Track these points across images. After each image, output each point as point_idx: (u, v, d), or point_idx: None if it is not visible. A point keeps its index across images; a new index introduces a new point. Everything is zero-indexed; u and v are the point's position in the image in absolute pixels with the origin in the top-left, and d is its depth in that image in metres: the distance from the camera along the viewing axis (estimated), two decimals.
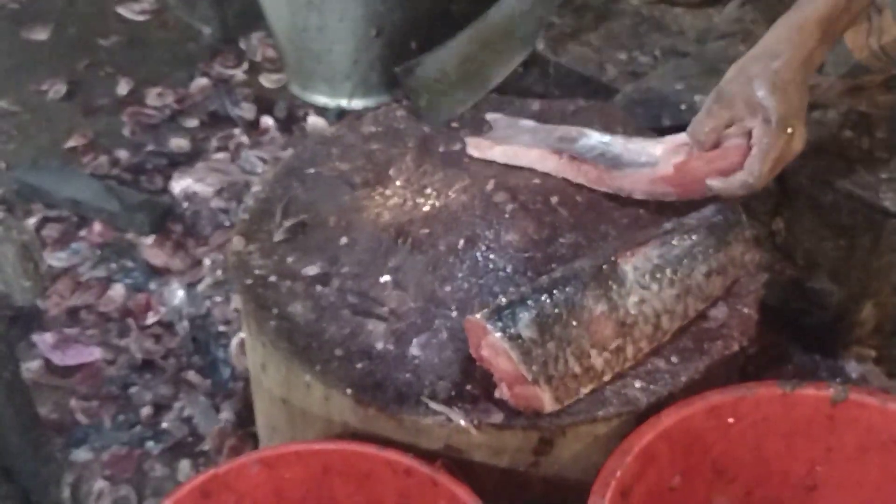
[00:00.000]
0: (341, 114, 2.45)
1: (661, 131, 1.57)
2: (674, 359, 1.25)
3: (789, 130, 1.29)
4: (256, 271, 1.36)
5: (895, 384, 1.74)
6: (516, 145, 1.50)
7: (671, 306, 1.25)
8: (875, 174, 1.62)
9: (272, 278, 1.35)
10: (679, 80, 1.79)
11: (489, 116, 1.58)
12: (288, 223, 1.43)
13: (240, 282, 1.35)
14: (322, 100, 2.47)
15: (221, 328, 1.86)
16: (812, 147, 1.65)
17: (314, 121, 2.41)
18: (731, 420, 1.22)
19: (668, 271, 1.25)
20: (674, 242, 1.27)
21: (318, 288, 1.33)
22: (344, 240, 1.40)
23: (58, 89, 2.47)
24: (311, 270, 1.36)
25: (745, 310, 1.32)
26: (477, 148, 1.52)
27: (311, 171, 1.52)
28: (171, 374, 1.80)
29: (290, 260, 1.37)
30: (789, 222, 1.71)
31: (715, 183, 1.32)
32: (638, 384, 1.22)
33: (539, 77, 2.50)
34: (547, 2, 1.79)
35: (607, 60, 1.90)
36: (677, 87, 1.78)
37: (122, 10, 2.78)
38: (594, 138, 1.49)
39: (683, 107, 1.75)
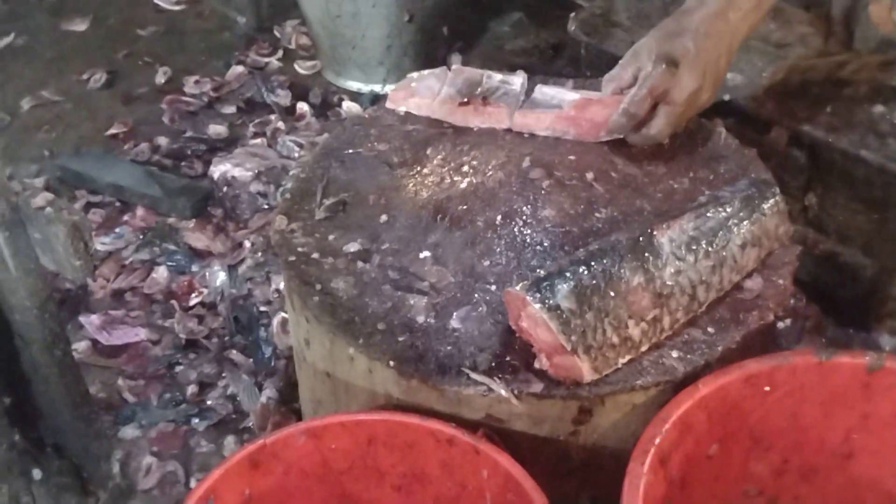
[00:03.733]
0: (375, 99, 2.48)
1: None
2: (710, 329, 1.27)
3: (677, 71, 1.38)
4: (299, 249, 1.39)
5: None
6: (426, 96, 1.58)
7: (707, 277, 1.27)
8: None
9: (315, 255, 1.38)
10: None
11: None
12: (328, 202, 1.46)
13: (283, 259, 1.38)
14: (356, 85, 2.51)
15: (262, 308, 1.90)
16: (843, 122, 1.68)
17: (349, 106, 2.44)
18: (767, 388, 1.24)
19: (704, 243, 1.27)
20: (709, 214, 1.29)
21: (360, 264, 1.36)
22: (384, 217, 1.43)
23: (98, 78, 2.52)
24: (353, 247, 1.39)
25: (780, 281, 1.33)
26: (393, 101, 1.61)
27: (350, 151, 1.56)
28: (215, 353, 1.84)
29: (331, 238, 1.41)
30: (822, 197, 1.73)
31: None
32: (675, 354, 1.24)
33: (570, 61, 2.53)
34: None
35: (639, 40, 1.91)
36: None
37: (158, 1, 2.83)
38: (495, 79, 1.59)
39: None
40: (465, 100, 1.57)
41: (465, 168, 1.48)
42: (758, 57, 1.77)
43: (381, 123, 1.60)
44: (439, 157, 1.51)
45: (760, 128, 1.74)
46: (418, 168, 1.50)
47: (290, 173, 2.09)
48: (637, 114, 1.42)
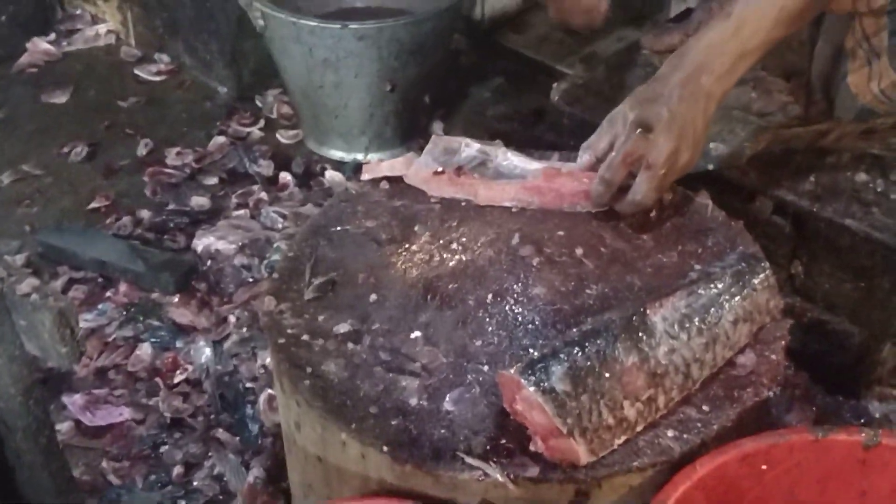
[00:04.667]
0: (358, 168, 2.47)
1: (678, 180, 1.59)
2: (705, 407, 1.26)
3: (651, 136, 1.40)
4: (289, 330, 1.38)
5: None
6: (402, 161, 1.60)
7: (700, 355, 1.27)
8: (892, 216, 1.64)
9: (304, 337, 1.37)
10: None
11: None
12: (317, 281, 1.45)
13: (273, 341, 1.37)
14: (338, 154, 2.51)
15: (248, 385, 1.88)
16: (827, 191, 1.69)
17: (331, 175, 2.45)
18: (764, 467, 1.23)
19: (696, 320, 1.27)
20: (700, 291, 1.29)
21: (350, 346, 1.35)
22: (373, 297, 1.42)
23: (79, 151, 2.52)
24: (343, 328, 1.38)
25: (773, 356, 1.33)
26: (368, 171, 1.62)
27: (338, 228, 1.55)
28: (201, 432, 1.81)
29: (321, 318, 1.39)
30: (808, 265, 1.74)
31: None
32: (671, 433, 1.23)
33: (552, 126, 2.55)
34: None
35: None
36: None
37: (139, 72, 2.83)
38: (474, 147, 1.59)
39: None
40: (441, 169, 1.58)
41: (454, 245, 1.47)
42: (740, 126, 1.78)
43: (368, 199, 1.60)
44: (427, 233, 1.51)
45: (745, 197, 1.75)
46: (407, 245, 1.50)
47: (276, 250, 2.10)
48: (613, 180, 1.43)
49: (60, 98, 2.72)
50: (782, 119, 1.82)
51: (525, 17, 2.87)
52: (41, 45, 2.92)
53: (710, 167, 1.76)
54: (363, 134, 2.46)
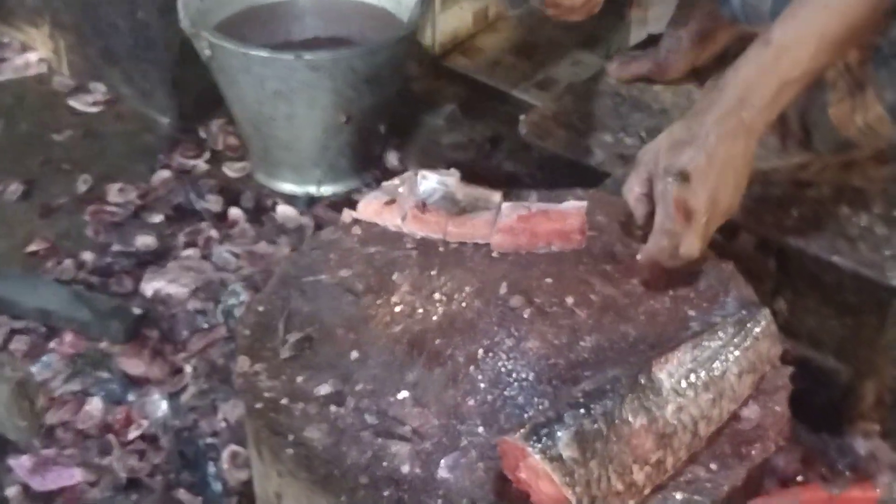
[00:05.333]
0: (311, 201, 2.39)
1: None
2: (713, 465, 1.20)
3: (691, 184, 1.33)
4: (266, 394, 1.28)
5: None
6: (369, 202, 1.55)
7: (707, 411, 1.21)
8: (878, 251, 1.61)
9: (283, 401, 1.27)
10: None
11: None
12: (293, 339, 1.36)
13: (249, 406, 1.28)
14: (289, 188, 2.41)
15: (210, 440, 1.77)
16: (811, 226, 1.65)
17: (284, 210, 2.34)
18: None
19: (703, 375, 1.21)
20: (704, 344, 1.24)
21: (334, 408, 1.26)
22: (355, 354, 1.33)
23: (13, 190, 2.37)
24: (324, 389, 1.29)
25: (777, 407, 1.28)
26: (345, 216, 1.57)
27: (310, 279, 1.46)
28: (160, 493, 1.70)
29: (299, 379, 1.30)
30: (792, 302, 1.69)
31: None
32: (679, 496, 1.17)
33: (509, 154, 2.49)
34: None
35: (593, 143, 1.87)
36: None
37: (73, 103, 2.69)
38: (433, 179, 1.54)
39: None
40: (391, 199, 1.53)
41: (438, 296, 1.40)
42: None
43: (340, 247, 1.51)
44: (407, 283, 1.43)
45: (727, 234, 1.69)
46: (386, 296, 1.41)
47: (232, 293, 2.00)
48: (674, 230, 1.34)
49: None
50: (760, 151, 1.78)
51: (476, 40, 2.81)
52: None
53: None
54: (316, 166, 2.36)
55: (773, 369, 1.32)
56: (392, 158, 2.48)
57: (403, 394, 1.27)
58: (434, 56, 2.73)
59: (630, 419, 1.14)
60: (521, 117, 1.94)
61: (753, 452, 1.22)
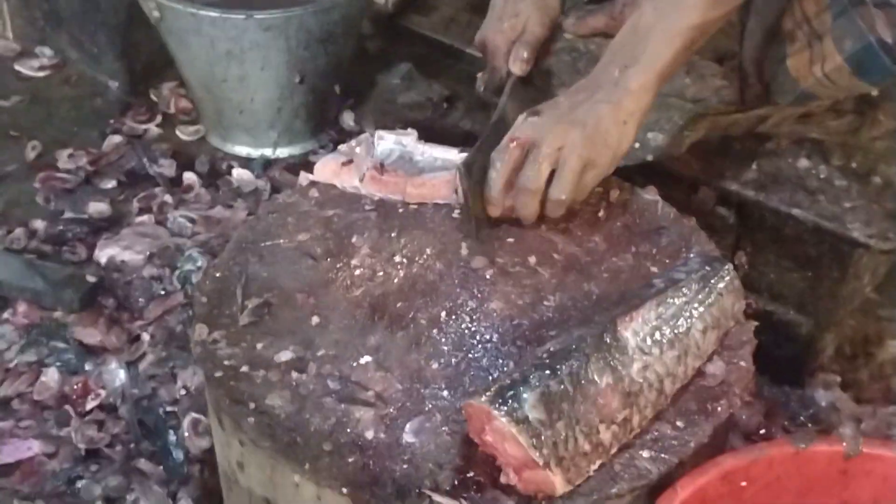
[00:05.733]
0: (266, 164, 2.35)
1: (616, 171, 1.52)
2: (679, 423, 1.20)
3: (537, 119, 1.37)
4: (226, 362, 1.26)
5: (866, 409, 1.72)
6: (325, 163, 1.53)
7: (673, 369, 1.20)
8: (838, 204, 1.61)
9: (244, 368, 1.25)
10: None
11: None
12: (251, 305, 1.33)
13: (209, 375, 1.25)
14: (245, 150, 2.37)
15: (170, 409, 1.74)
16: (770, 179, 1.65)
17: (239, 173, 2.31)
18: (744, 483, 1.18)
19: (668, 332, 1.20)
20: (668, 301, 1.23)
21: (295, 375, 1.24)
22: (315, 319, 1.31)
23: None
24: (285, 356, 1.26)
25: (742, 363, 1.28)
26: (303, 178, 1.55)
27: (268, 243, 1.43)
28: (120, 463, 1.68)
29: (259, 346, 1.28)
30: (752, 256, 1.69)
31: None
32: (646, 454, 1.16)
33: (466, 112, 2.47)
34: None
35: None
36: None
37: (19, 67, 2.63)
38: (390, 140, 1.53)
39: (637, 145, 1.70)
40: (348, 160, 1.51)
41: (398, 258, 1.38)
42: (677, 114, 1.72)
43: (297, 210, 1.49)
44: (367, 245, 1.41)
45: (687, 188, 1.69)
46: (345, 260, 1.39)
47: (188, 259, 1.96)
48: (510, 160, 1.36)
49: None
50: (718, 105, 1.77)
51: None
52: None
53: (650, 157, 1.69)
54: (271, 128, 2.32)
55: (737, 325, 1.32)
56: (348, 119, 2.45)
57: (366, 358, 1.26)
58: (388, 14, 2.68)
59: (596, 379, 1.13)
60: (479, 75, 1.91)
61: (719, 409, 1.22)
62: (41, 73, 2.63)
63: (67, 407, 1.76)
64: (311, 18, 2.14)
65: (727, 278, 1.29)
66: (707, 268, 1.29)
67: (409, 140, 1.54)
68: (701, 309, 1.24)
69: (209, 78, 2.25)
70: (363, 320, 1.30)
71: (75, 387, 1.79)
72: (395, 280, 1.34)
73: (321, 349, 1.27)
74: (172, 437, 1.71)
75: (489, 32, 1.68)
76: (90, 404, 1.77)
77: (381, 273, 1.36)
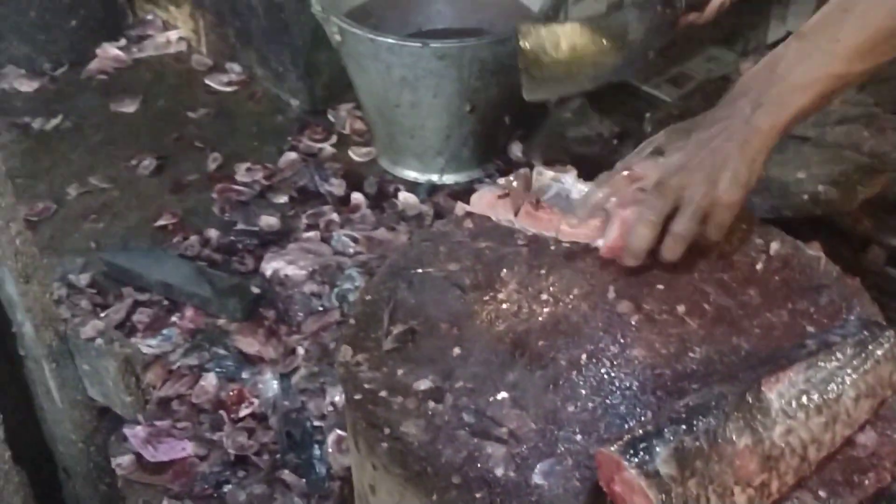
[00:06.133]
0: (432, 189, 2.39)
1: (781, 223, 1.48)
2: (822, 493, 1.14)
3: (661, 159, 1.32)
4: (366, 385, 1.28)
5: None
6: (482, 195, 1.49)
7: (819, 435, 1.15)
8: None
9: (383, 393, 1.27)
10: (800, 169, 1.69)
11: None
12: (396, 330, 1.35)
13: (349, 397, 1.28)
14: (412, 174, 2.42)
15: (317, 423, 1.79)
16: None
17: (405, 197, 2.35)
18: None
19: (816, 397, 1.15)
20: (820, 364, 1.17)
21: (432, 404, 1.25)
22: (457, 350, 1.32)
23: (147, 164, 2.45)
24: (424, 384, 1.28)
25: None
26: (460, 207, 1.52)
27: (419, 271, 1.45)
28: (266, 472, 1.73)
29: (400, 372, 1.30)
30: None
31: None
32: None
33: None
34: (654, 37, 1.71)
35: None
36: (799, 176, 1.68)
37: (210, 82, 2.76)
38: (547, 176, 1.50)
39: (805, 197, 1.65)
40: (505, 192, 1.49)
41: (545, 296, 1.37)
42: (851, 168, 1.66)
43: (450, 239, 1.50)
44: (515, 280, 1.40)
45: (856, 245, 1.62)
46: (492, 293, 1.39)
47: (347, 278, 2.01)
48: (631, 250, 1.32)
49: (129, 107, 2.66)
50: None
51: None
52: (111, 51, 2.86)
53: (819, 211, 1.63)
54: (439, 155, 2.36)
55: (894, 394, 1.25)
56: (516, 150, 2.46)
57: (503, 394, 1.25)
58: None
59: (734, 438, 1.09)
60: (647, 115, 1.89)
61: (866, 482, 1.16)
62: (229, 88, 2.75)
63: (222, 412, 1.84)
64: (485, 49, 2.17)
65: (887, 345, 1.22)
66: (865, 332, 1.23)
67: (568, 178, 1.53)
68: (854, 376, 1.18)
69: (383, 102, 2.30)
70: (504, 356, 1.30)
71: (231, 393, 1.87)
72: (539, 318, 1.34)
73: (460, 381, 1.28)
74: (317, 452, 1.75)
75: None
76: (243, 412, 1.84)
77: (525, 310, 1.35)
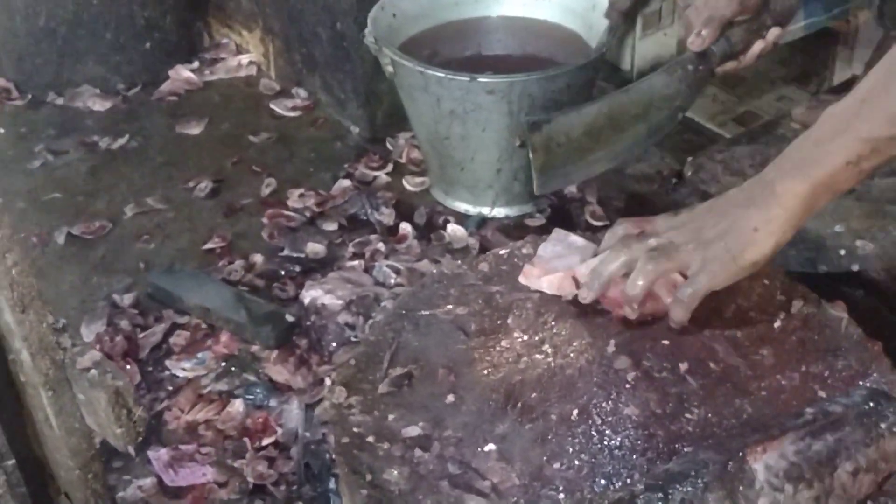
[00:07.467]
0: (482, 222, 2.36)
1: (816, 279, 1.42)
2: None
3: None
4: (355, 429, 1.27)
5: None
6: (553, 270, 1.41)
7: None
8: None
9: (370, 438, 1.26)
10: (839, 222, 1.62)
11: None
12: (395, 374, 1.34)
13: (337, 440, 1.27)
14: (463, 206, 2.40)
15: (335, 456, 1.78)
16: None
17: (453, 229, 2.33)
18: None
19: (807, 471, 1.10)
20: (815, 436, 1.12)
21: (418, 452, 1.24)
22: (451, 398, 1.30)
23: (203, 187, 2.48)
24: (413, 431, 1.26)
25: None
26: (526, 277, 1.43)
27: (426, 313, 1.44)
28: (282, 503, 1.73)
29: (391, 417, 1.29)
30: None
31: None
32: None
33: (692, 192, 2.37)
34: (688, 95, 1.66)
35: None
36: (836, 230, 1.62)
37: (275, 106, 2.79)
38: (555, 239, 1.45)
39: (843, 252, 1.59)
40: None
41: (546, 346, 1.34)
42: (893, 224, 1.58)
43: (463, 282, 1.48)
44: (520, 328, 1.38)
45: (894, 306, 1.54)
46: (495, 340, 1.37)
47: (383, 310, 2.00)
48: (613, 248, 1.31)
49: (194, 129, 2.70)
50: None
51: None
52: (183, 73, 2.91)
53: (855, 267, 1.57)
54: (490, 188, 2.34)
55: None
56: (570, 186, 2.42)
57: (490, 446, 1.23)
58: (630, 81, 2.64)
59: None
60: (689, 160, 1.84)
61: None
62: (293, 114, 2.77)
63: (246, 439, 1.84)
64: (535, 85, 2.14)
65: (892, 418, 1.16)
66: (870, 404, 1.17)
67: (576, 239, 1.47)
68: (853, 449, 1.13)
69: (433, 134, 2.29)
70: (496, 406, 1.28)
71: (257, 421, 1.87)
72: (537, 369, 1.31)
73: (448, 430, 1.26)
74: (333, 485, 1.74)
75: (689, 9, 1.59)
76: (266, 440, 1.83)
77: (525, 358, 1.33)
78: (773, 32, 1.57)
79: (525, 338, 1.36)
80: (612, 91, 1.45)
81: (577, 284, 1.35)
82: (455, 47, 2.47)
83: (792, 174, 1.23)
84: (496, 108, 2.17)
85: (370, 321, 2.02)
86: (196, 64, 2.98)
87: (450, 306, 1.44)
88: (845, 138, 1.21)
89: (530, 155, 1.35)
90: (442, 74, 2.15)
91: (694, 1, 1.57)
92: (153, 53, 2.93)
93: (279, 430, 1.85)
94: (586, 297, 1.32)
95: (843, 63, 2.36)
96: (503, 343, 1.37)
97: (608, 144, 1.42)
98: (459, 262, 1.54)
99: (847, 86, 1.97)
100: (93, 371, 1.25)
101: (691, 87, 1.55)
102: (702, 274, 1.25)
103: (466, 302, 1.45)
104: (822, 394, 1.27)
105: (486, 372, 1.32)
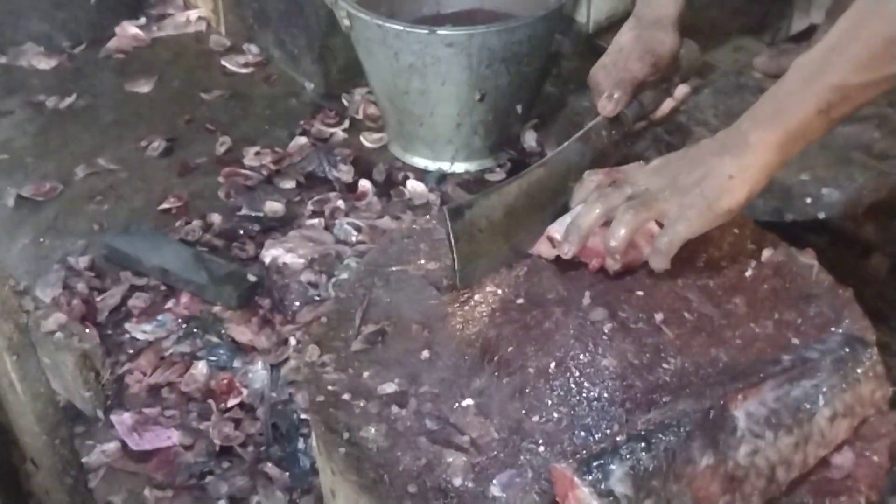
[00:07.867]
0: (442, 178, 2.35)
1: (783, 227, 1.42)
2: None
3: None
4: (329, 387, 1.25)
5: None
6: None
7: (788, 456, 1.10)
8: None
9: (345, 396, 1.24)
10: (804, 170, 1.63)
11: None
12: (367, 330, 1.32)
13: (312, 398, 1.25)
14: (423, 162, 2.38)
15: (303, 416, 1.77)
16: None
17: (413, 185, 2.32)
18: None
19: (786, 416, 1.10)
20: (793, 383, 1.12)
21: (395, 409, 1.22)
22: (426, 353, 1.28)
23: (156, 146, 2.43)
24: (389, 388, 1.25)
25: (875, 457, 1.15)
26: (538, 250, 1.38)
27: (396, 269, 1.42)
28: (249, 464, 1.71)
29: (366, 374, 1.27)
30: None
31: None
32: None
33: (654, 141, 2.37)
34: (604, 162, 1.59)
35: None
36: (802, 178, 1.62)
37: (226, 63, 2.74)
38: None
39: (808, 200, 1.59)
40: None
41: (520, 300, 1.33)
42: (858, 171, 1.59)
43: (432, 237, 1.46)
44: (493, 282, 1.36)
45: (859, 252, 1.56)
46: (468, 294, 1.35)
47: (345, 268, 1.98)
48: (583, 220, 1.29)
49: (144, 87, 2.65)
50: None
51: None
52: (130, 30, 2.85)
53: (821, 215, 1.57)
54: (450, 143, 2.32)
55: (878, 414, 1.19)
56: (530, 139, 2.41)
57: (468, 401, 1.22)
58: (587, 34, 2.62)
59: (695, 458, 1.05)
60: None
61: None
62: (245, 70, 2.73)
63: (211, 401, 1.82)
64: (494, 37, 2.12)
65: (867, 363, 1.17)
66: (846, 349, 1.17)
67: None
68: (831, 395, 1.13)
69: (392, 89, 2.26)
70: (472, 361, 1.26)
71: (221, 382, 1.85)
72: (513, 323, 1.29)
73: (425, 385, 1.24)
74: (301, 445, 1.73)
75: (596, 67, 1.53)
76: (232, 402, 1.82)
77: (499, 313, 1.31)
78: (682, 90, 1.53)
79: (499, 292, 1.35)
80: (527, 169, 1.39)
81: (553, 244, 1.34)
82: (413, 5, 2.43)
83: (764, 124, 1.22)
84: (456, 62, 2.15)
85: (333, 279, 2.01)
86: (143, 20, 2.91)
87: (421, 261, 1.42)
88: (816, 87, 1.20)
89: (451, 245, 1.30)
90: (401, 27, 2.12)
91: (602, 60, 1.52)
92: (98, 9, 2.85)
93: (244, 392, 1.83)
94: (567, 252, 1.31)
95: (801, 12, 2.36)
96: (476, 298, 1.35)
97: (529, 224, 1.37)
98: (428, 216, 1.51)
99: (806, 34, 1.97)
100: (58, 334, 1.22)
101: (606, 154, 1.50)
102: (679, 222, 1.24)
103: (437, 257, 1.43)
104: (795, 341, 1.27)
105: (460, 327, 1.31)
